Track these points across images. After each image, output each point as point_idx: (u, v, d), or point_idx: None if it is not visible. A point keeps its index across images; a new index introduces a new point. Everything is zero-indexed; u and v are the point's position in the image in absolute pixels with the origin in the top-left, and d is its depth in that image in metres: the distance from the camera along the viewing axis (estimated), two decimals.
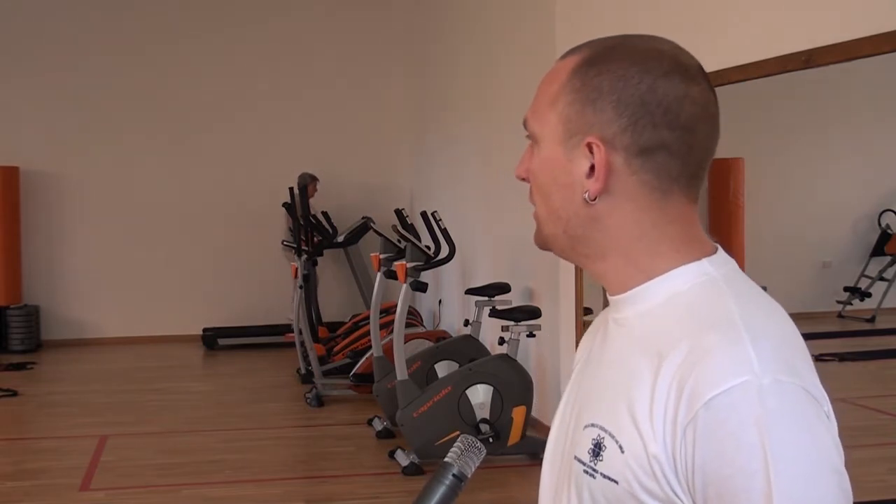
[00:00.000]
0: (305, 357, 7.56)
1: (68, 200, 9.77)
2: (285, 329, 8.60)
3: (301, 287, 7.44)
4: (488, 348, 6.21)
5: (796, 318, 1.01)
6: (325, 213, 8.96)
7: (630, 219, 1.02)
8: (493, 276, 6.57)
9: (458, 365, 5.92)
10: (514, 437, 5.40)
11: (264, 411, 7.00)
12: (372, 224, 8.57)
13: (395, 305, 5.85)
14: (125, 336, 9.74)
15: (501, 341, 5.53)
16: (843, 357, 4.47)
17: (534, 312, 5.52)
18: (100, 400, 7.38)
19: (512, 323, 5.48)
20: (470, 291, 6.34)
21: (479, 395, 5.39)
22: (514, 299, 6.03)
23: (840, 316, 4.50)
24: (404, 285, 5.71)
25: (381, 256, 6.23)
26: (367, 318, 7.14)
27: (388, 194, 9.79)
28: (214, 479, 5.30)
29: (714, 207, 4.20)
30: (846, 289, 4.46)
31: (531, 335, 5.46)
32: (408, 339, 6.27)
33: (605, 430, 0.98)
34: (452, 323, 8.13)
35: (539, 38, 5.93)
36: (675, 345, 0.95)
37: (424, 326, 8.27)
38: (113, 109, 9.75)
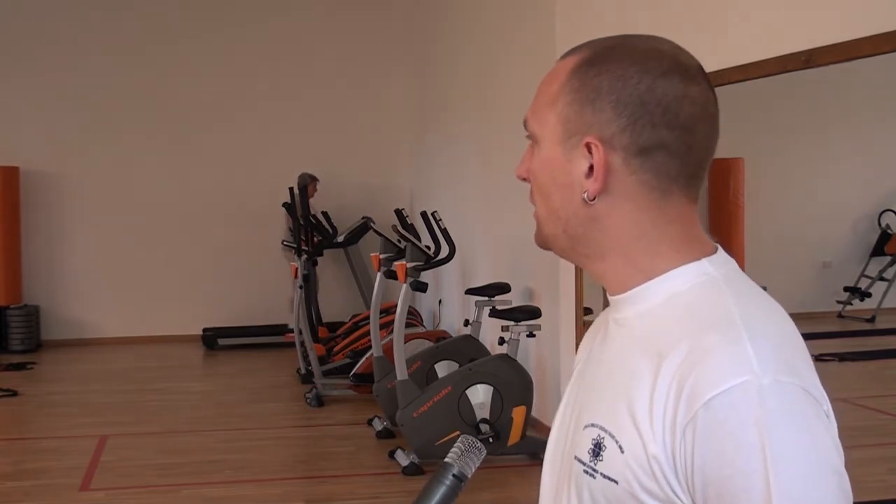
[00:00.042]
0: (305, 357, 7.56)
1: (68, 200, 9.77)
2: (285, 329, 8.60)
3: (301, 287, 7.44)
4: (488, 348, 6.21)
5: (796, 318, 1.01)
6: (325, 213, 8.96)
7: (629, 219, 1.02)
8: (493, 276, 6.57)
9: (458, 365, 5.92)
10: (515, 437, 5.40)
11: (264, 411, 7.00)
12: (372, 224, 8.56)
13: (395, 305, 5.85)
14: (125, 336, 9.74)
15: (501, 341, 5.53)
16: (843, 357, 4.47)
17: (534, 312, 5.52)
18: (100, 400, 7.38)
19: (512, 323, 5.48)
20: (470, 291, 6.33)
21: (479, 395, 5.39)
22: (514, 299, 6.03)
23: (840, 316, 4.49)
24: (404, 285, 5.70)
25: (381, 256, 6.22)
26: (367, 318, 7.13)
27: (388, 194, 9.79)
28: (214, 479, 5.29)
29: (714, 207, 4.20)
30: (846, 289, 4.46)
31: (531, 335, 5.46)
32: (408, 339, 6.27)
33: (605, 431, 0.98)
34: (452, 323, 8.13)
35: (539, 38, 5.93)
36: (674, 345, 0.95)
37: (424, 326, 8.26)
38: (113, 109, 9.75)
